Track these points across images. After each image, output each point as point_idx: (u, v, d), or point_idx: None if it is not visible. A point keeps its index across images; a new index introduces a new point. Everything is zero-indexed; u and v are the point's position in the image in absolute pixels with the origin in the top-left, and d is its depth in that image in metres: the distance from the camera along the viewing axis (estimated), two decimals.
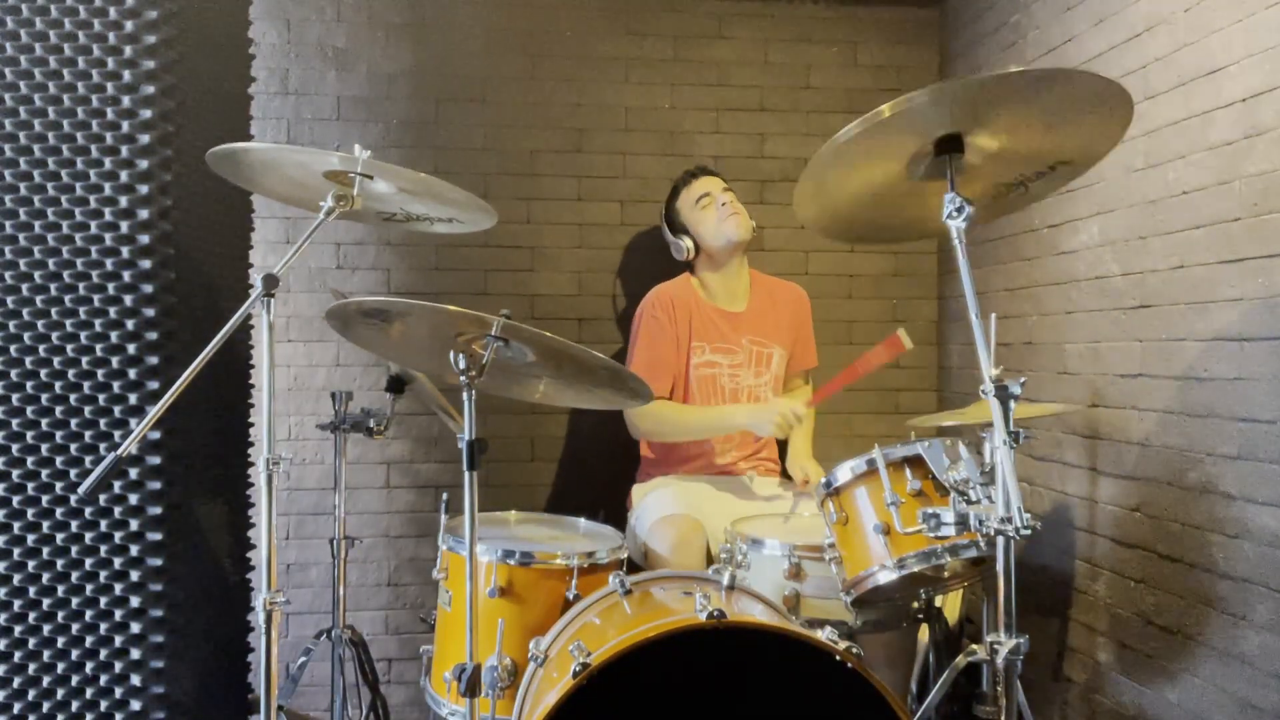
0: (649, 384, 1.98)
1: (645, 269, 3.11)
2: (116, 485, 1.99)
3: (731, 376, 2.81)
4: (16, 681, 2.01)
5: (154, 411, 1.66)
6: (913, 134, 1.69)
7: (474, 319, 1.74)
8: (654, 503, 2.63)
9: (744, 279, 2.90)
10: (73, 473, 2.00)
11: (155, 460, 2.00)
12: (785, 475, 2.88)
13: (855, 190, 1.83)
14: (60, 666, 2.01)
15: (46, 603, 2.01)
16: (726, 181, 2.91)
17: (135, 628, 2.00)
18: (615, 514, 2.73)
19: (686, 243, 2.85)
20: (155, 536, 2.00)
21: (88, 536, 2.00)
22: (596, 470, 3.12)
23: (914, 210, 1.88)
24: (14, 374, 2.00)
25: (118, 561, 2.00)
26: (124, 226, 2.00)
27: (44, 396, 2.00)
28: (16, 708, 2.01)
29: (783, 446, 2.92)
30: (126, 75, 1.99)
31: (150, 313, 2.00)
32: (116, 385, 2.00)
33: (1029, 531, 1.52)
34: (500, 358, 1.83)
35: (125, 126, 1.99)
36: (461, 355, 1.76)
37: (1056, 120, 1.69)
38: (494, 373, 1.84)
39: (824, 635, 1.64)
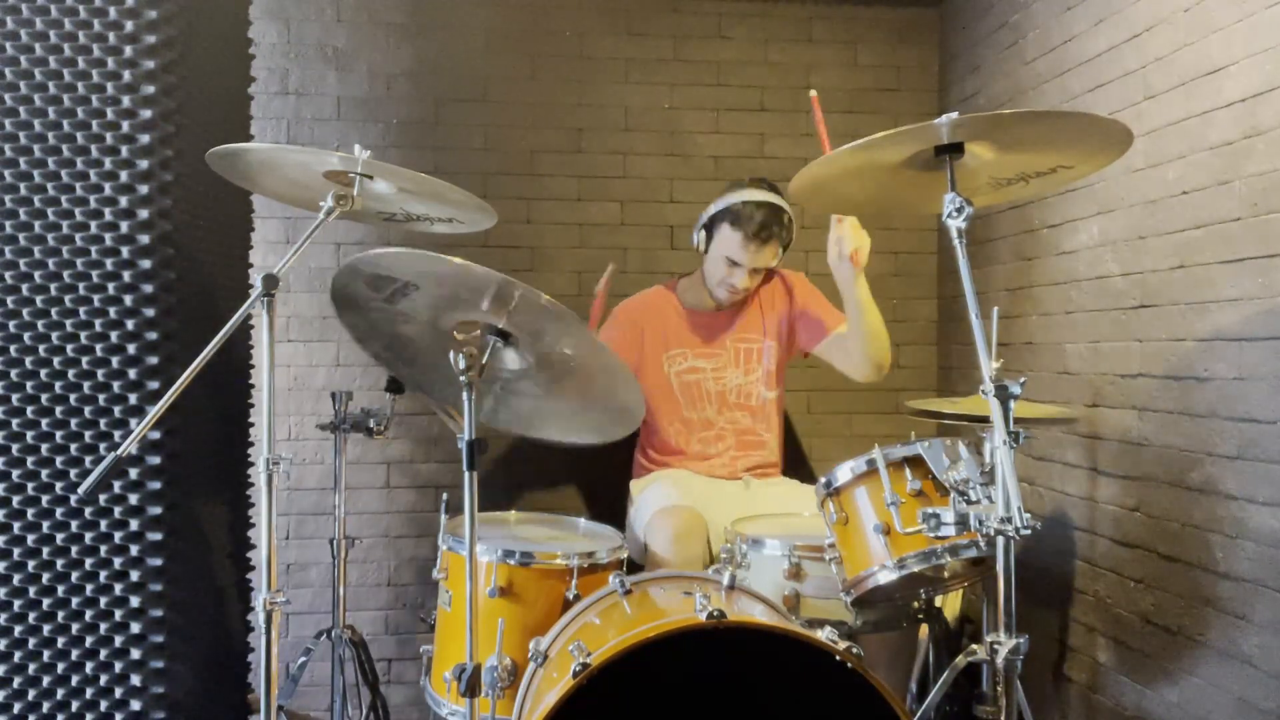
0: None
1: (645, 269, 3.11)
2: (116, 485, 1.98)
3: (716, 379, 2.80)
4: (16, 681, 2.01)
5: (154, 411, 1.66)
6: (911, 145, 1.70)
7: (480, 278, 1.70)
8: (652, 496, 2.63)
9: None
10: (73, 473, 2.00)
11: (155, 460, 2.00)
12: (784, 475, 2.88)
13: (852, 179, 1.84)
14: (60, 666, 2.01)
15: (46, 603, 2.00)
16: (783, 248, 2.73)
17: (135, 628, 2.00)
18: (614, 513, 2.73)
19: (701, 243, 2.73)
20: (155, 536, 2.00)
21: (88, 536, 2.00)
22: (596, 470, 3.11)
23: (910, 194, 1.90)
24: (14, 374, 2.00)
25: (118, 561, 2.00)
26: (124, 226, 1.99)
27: (44, 396, 2.00)
28: (16, 708, 2.01)
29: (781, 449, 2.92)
30: (126, 75, 1.99)
31: (150, 313, 2.00)
32: (116, 385, 2.00)
33: (1029, 531, 1.52)
34: (492, 372, 1.81)
35: (125, 126, 1.99)
36: (461, 356, 1.76)
37: (1057, 144, 1.71)
38: (482, 387, 1.82)
39: (824, 635, 1.64)
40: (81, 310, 2.00)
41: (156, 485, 2.00)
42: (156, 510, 2.00)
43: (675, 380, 2.79)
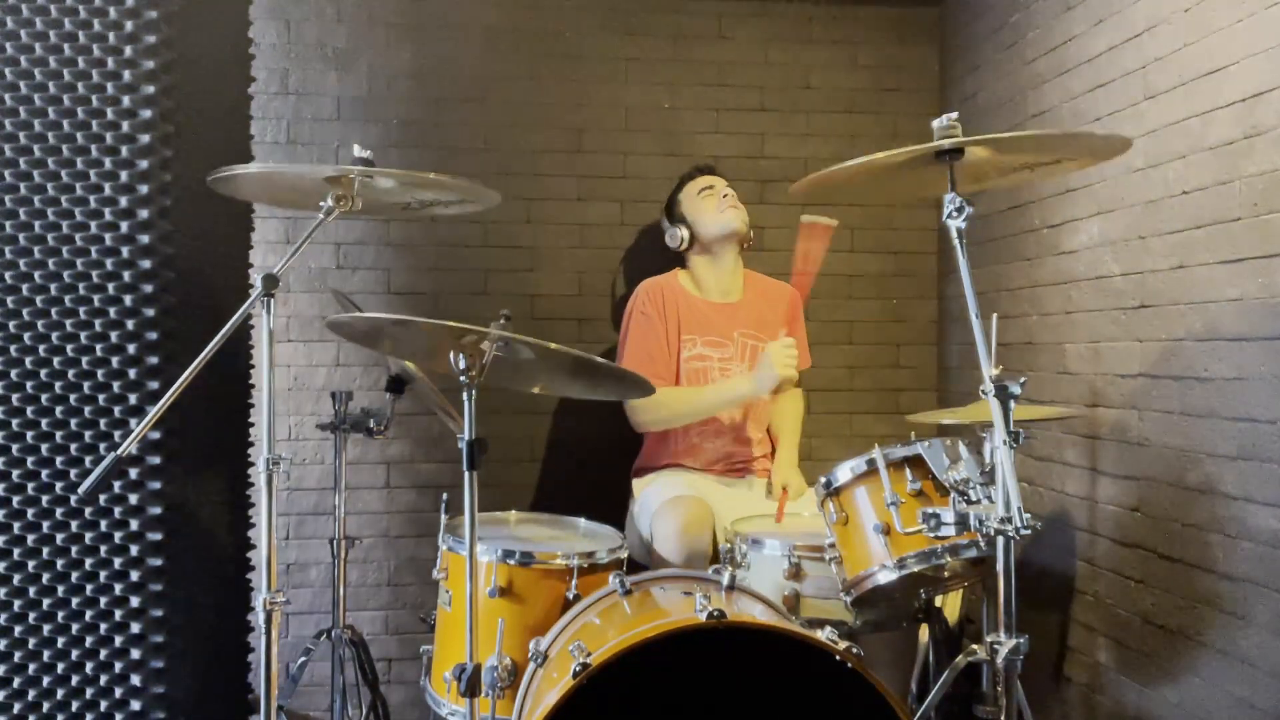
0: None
1: (645, 270, 3.10)
2: (116, 485, 1.98)
3: (722, 370, 2.81)
4: (16, 681, 2.01)
5: (154, 411, 1.66)
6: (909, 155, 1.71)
7: (472, 330, 1.74)
8: (659, 488, 2.64)
9: (738, 274, 2.91)
10: (73, 473, 2.00)
11: (155, 460, 2.00)
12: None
13: (852, 180, 1.84)
14: (60, 666, 2.01)
15: (46, 603, 2.00)
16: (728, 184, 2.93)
17: (135, 628, 2.00)
18: (615, 513, 2.73)
19: (683, 231, 2.88)
20: (155, 536, 2.00)
21: (88, 536, 2.00)
22: (596, 469, 3.11)
23: (910, 186, 1.90)
24: (14, 374, 2.00)
25: (118, 561, 2.00)
26: (124, 226, 1.99)
27: (44, 396, 2.00)
28: (16, 708, 2.01)
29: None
30: (126, 75, 1.99)
31: (150, 313, 2.00)
32: (116, 385, 2.00)
33: (1029, 531, 1.52)
34: (500, 354, 1.83)
35: (125, 126, 1.99)
36: (462, 356, 1.76)
37: (1055, 150, 1.71)
38: (493, 367, 1.83)
39: (824, 635, 1.64)
40: (81, 310, 2.00)
41: (156, 485, 2.00)
42: (156, 510, 2.00)
43: (684, 368, 2.80)
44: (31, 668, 2.01)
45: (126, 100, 1.99)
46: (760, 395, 2.65)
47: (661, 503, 2.53)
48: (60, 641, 2.01)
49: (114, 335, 1.99)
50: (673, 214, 2.95)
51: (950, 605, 2.48)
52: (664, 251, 2.98)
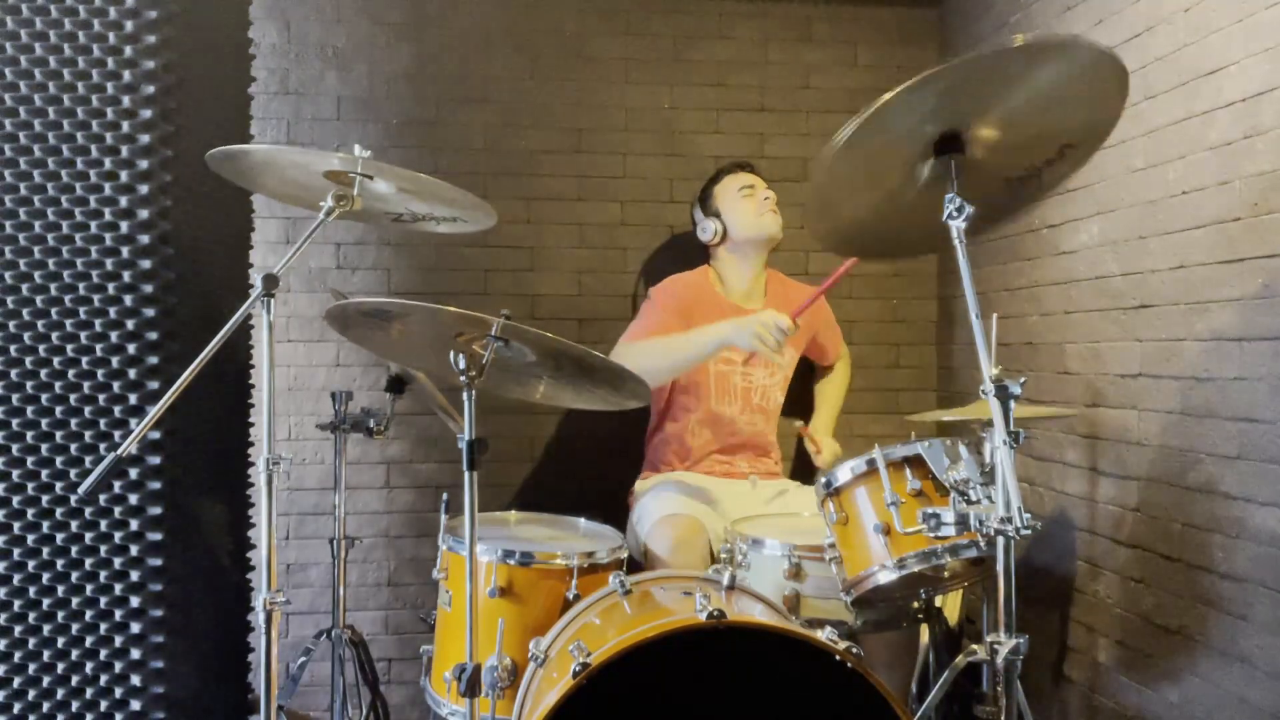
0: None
1: (645, 269, 3.11)
2: (116, 485, 1.98)
3: (744, 375, 2.81)
4: (16, 681, 2.01)
5: (154, 411, 1.66)
6: (908, 130, 1.68)
7: (474, 320, 1.74)
8: (654, 501, 2.62)
9: (762, 278, 2.90)
10: (73, 473, 2.00)
11: (155, 460, 2.00)
12: (788, 477, 2.89)
13: (862, 203, 1.82)
14: (60, 666, 2.01)
15: (46, 603, 2.00)
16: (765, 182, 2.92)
17: (135, 628, 2.00)
18: (615, 513, 2.73)
19: (716, 226, 2.85)
20: (155, 536, 2.00)
21: (88, 536, 2.00)
22: (596, 470, 3.12)
23: (923, 220, 1.86)
24: (14, 374, 2.00)
25: (118, 561, 2.00)
26: (124, 226, 1.99)
27: (44, 396, 2.00)
28: (16, 708, 2.01)
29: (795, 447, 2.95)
30: (126, 75, 1.99)
31: (150, 313, 2.00)
32: (116, 385, 2.00)
33: (1029, 531, 1.52)
34: (500, 357, 1.83)
35: (125, 126, 1.99)
36: (461, 355, 1.77)
37: (1053, 100, 1.65)
38: (494, 373, 1.84)
39: (824, 635, 1.64)
40: (81, 310, 2.00)
41: (156, 485, 2.00)
42: (156, 510, 2.00)
43: (710, 368, 2.79)
44: (31, 668, 2.01)
45: (126, 100, 1.99)
46: (737, 345, 2.52)
47: (656, 520, 2.51)
48: (60, 641, 2.01)
49: (114, 335, 1.99)
50: (707, 206, 2.91)
51: (950, 605, 2.49)
52: (665, 252, 2.99)
